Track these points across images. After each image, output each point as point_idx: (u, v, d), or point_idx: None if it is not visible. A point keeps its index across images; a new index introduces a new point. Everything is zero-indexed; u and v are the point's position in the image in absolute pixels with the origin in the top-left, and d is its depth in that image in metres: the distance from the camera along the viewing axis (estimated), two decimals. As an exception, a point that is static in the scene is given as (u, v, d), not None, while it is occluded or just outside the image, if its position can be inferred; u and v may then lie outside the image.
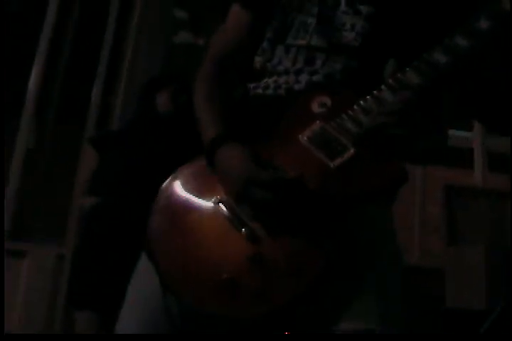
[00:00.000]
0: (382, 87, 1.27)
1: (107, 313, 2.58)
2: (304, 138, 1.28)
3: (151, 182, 2.71)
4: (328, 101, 1.32)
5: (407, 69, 1.27)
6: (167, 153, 2.69)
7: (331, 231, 1.19)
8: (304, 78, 1.38)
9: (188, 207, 1.28)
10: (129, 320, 1.37)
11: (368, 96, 1.27)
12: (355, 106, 1.27)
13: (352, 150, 1.24)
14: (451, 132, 5.44)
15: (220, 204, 1.25)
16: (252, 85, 1.45)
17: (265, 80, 1.43)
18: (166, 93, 2.87)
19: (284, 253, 1.17)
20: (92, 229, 2.81)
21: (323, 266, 1.17)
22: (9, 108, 3.89)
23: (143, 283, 1.37)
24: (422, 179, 4.80)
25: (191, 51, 4.03)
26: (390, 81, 1.27)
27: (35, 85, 4.11)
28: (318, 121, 1.29)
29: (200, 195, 1.29)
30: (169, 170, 2.67)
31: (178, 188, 1.33)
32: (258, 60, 1.46)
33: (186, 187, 1.32)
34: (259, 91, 1.43)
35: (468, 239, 3.99)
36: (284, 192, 1.18)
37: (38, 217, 4.11)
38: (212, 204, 1.26)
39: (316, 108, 1.32)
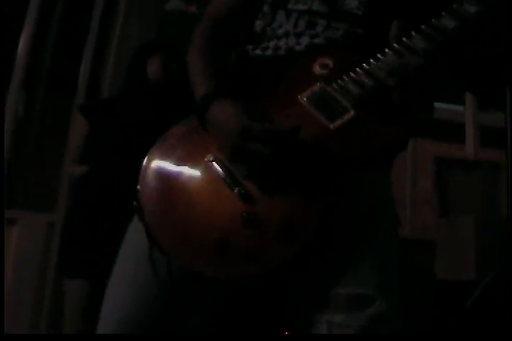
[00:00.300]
0: (387, 50, 1.25)
1: (98, 281, 2.57)
2: (303, 98, 1.26)
3: (141, 150, 2.72)
4: (330, 62, 1.30)
5: (414, 33, 1.25)
6: (157, 120, 2.68)
7: (327, 193, 1.17)
8: (304, 40, 1.37)
9: (179, 167, 1.26)
10: (117, 287, 1.35)
11: (371, 59, 1.25)
12: (357, 69, 1.25)
13: (352, 112, 1.21)
14: (443, 106, 5.45)
15: (214, 162, 1.23)
16: (250, 47, 1.43)
17: (265, 43, 1.41)
18: (156, 60, 2.84)
19: (277, 214, 1.15)
20: (81, 196, 2.80)
21: (316, 229, 1.15)
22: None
23: (132, 248, 1.35)
24: (413, 152, 4.80)
25: (183, 19, 3.98)
26: (396, 45, 1.24)
27: (24, 55, 4.05)
28: (319, 83, 1.27)
29: (191, 154, 1.27)
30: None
31: (169, 149, 1.30)
32: (258, 23, 1.44)
33: (177, 148, 1.29)
34: (258, 52, 1.41)
35: (459, 211, 4.00)
36: (279, 144, 1.15)
37: (28, 186, 4.10)
38: (205, 164, 1.24)
39: (317, 69, 1.29)
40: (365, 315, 1.19)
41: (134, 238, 1.34)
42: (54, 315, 3.55)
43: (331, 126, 1.21)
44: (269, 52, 1.39)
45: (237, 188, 1.18)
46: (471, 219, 3.73)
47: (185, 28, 3.86)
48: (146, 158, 1.30)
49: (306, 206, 1.16)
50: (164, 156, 1.29)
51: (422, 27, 1.25)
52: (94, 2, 4.09)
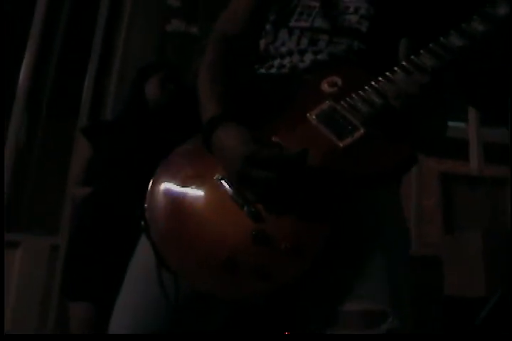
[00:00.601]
0: (396, 68, 1.25)
1: (102, 304, 2.54)
2: (312, 116, 1.26)
3: (142, 170, 2.70)
4: (339, 80, 1.30)
5: (422, 51, 1.25)
6: (156, 140, 2.70)
7: (334, 211, 1.16)
8: (308, 57, 1.37)
9: (187, 186, 1.25)
10: (125, 305, 1.34)
11: (380, 78, 1.25)
12: (366, 87, 1.25)
13: (362, 130, 1.21)
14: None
15: (223, 181, 1.22)
16: (255, 66, 1.43)
17: (269, 62, 1.41)
18: (154, 80, 2.87)
19: (285, 232, 1.15)
20: (84, 218, 2.78)
21: (324, 245, 1.14)
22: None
23: (140, 266, 1.34)
24: (418, 169, 4.79)
25: (184, 39, 4.00)
26: (404, 63, 1.24)
27: (26, 79, 4.06)
28: (328, 101, 1.27)
29: (199, 173, 1.26)
30: (159, 158, 2.67)
31: (176, 168, 1.30)
32: (261, 42, 1.45)
33: (184, 166, 1.29)
34: (263, 71, 1.41)
35: (465, 226, 3.97)
36: (285, 170, 1.15)
37: (32, 209, 4.08)
38: (213, 182, 1.23)
39: (326, 87, 1.29)
40: (378, 332, 1.18)
41: (143, 256, 1.33)
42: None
43: (341, 145, 1.20)
44: (273, 70, 1.39)
45: (246, 206, 1.18)
46: (478, 235, 3.70)
47: (186, 48, 3.88)
48: (153, 177, 1.30)
49: (313, 224, 1.15)
50: (171, 175, 1.28)
51: (430, 45, 1.25)
52: (95, 24, 4.10)
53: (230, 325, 1.34)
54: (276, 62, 1.39)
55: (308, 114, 1.26)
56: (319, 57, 1.36)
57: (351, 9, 1.39)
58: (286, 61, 1.38)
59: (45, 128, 4.20)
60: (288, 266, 1.13)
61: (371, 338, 1.19)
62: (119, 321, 1.33)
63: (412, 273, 1.34)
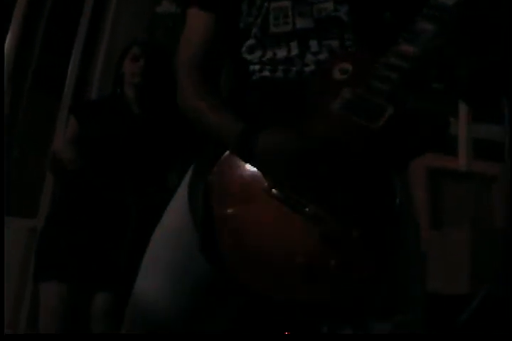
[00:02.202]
0: (400, 40, 1.24)
1: (74, 284, 2.52)
2: (337, 107, 1.24)
3: (129, 150, 2.67)
4: (348, 66, 1.28)
5: (417, 18, 1.24)
6: (138, 120, 2.75)
7: (394, 189, 1.16)
8: (310, 60, 1.35)
9: (241, 198, 1.24)
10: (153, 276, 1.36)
11: (387, 53, 1.24)
12: (377, 65, 1.24)
13: (391, 108, 1.20)
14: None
15: (273, 189, 1.20)
16: (256, 67, 1.39)
17: (271, 66, 1.38)
18: (129, 56, 2.86)
19: (353, 225, 1.15)
20: (66, 194, 2.74)
21: (395, 231, 1.15)
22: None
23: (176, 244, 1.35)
24: (406, 164, 4.76)
25: (174, 21, 3.95)
26: (405, 33, 1.24)
27: (10, 55, 3.98)
28: (346, 88, 1.26)
29: (248, 186, 1.25)
30: (143, 140, 2.63)
31: (226, 180, 1.27)
32: (251, 57, 1.40)
33: (232, 179, 1.27)
34: (266, 74, 1.37)
35: (452, 223, 3.96)
36: (338, 163, 1.15)
37: (10, 191, 4.01)
38: (264, 191, 1.21)
39: (339, 76, 1.28)
40: (392, 322, 1.21)
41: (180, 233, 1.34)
42: (33, 318, 3.45)
43: (376, 127, 1.19)
44: (279, 74, 1.36)
45: (306, 210, 1.17)
46: (464, 231, 3.69)
47: (176, 30, 3.83)
48: (209, 191, 1.26)
49: (378, 212, 1.16)
50: (227, 190, 1.27)
51: (423, 10, 1.25)
52: (83, 3, 4.04)
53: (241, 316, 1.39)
54: (280, 66, 1.36)
55: (331, 106, 1.25)
56: (320, 57, 1.35)
57: None
58: (290, 66, 1.35)
59: (28, 109, 4.12)
60: (362, 258, 1.13)
61: (371, 338, 1.20)
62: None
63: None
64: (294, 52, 1.35)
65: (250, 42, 1.41)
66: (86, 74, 3.98)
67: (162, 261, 1.35)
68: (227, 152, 1.27)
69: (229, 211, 1.23)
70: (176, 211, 1.38)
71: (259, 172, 1.23)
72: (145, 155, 2.68)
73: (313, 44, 1.35)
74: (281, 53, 1.36)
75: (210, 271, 1.24)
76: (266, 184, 1.21)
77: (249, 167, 1.24)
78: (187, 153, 2.65)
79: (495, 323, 3.01)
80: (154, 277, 1.35)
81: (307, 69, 1.34)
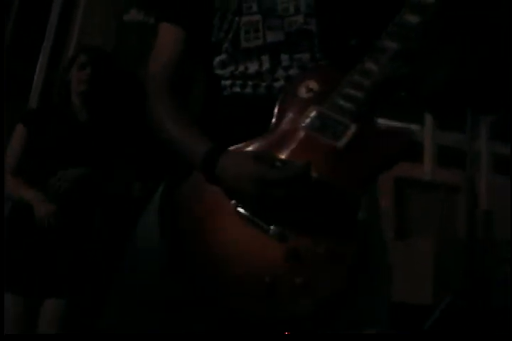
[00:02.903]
0: (364, 58, 1.26)
1: (30, 297, 2.53)
2: (302, 125, 1.25)
3: (75, 157, 2.66)
4: (313, 84, 1.30)
5: (384, 34, 1.26)
6: (85, 128, 2.76)
7: (357, 212, 1.17)
8: (280, 75, 1.36)
9: (209, 219, 1.24)
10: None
11: (352, 70, 1.26)
12: (342, 83, 1.26)
13: (354, 127, 1.22)
14: (402, 125, 5.46)
15: (238, 209, 1.21)
16: (227, 83, 1.39)
17: (242, 81, 1.38)
18: (76, 64, 2.88)
19: (317, 244, 1.15)
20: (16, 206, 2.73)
21: (358, 250, 1.15)
22: None
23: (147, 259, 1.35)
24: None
25: (141, 29, 3.93)
26: (370, 50, 1.26)
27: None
28: (311, 106, 1.27)
29: (212, 207, 1.25)
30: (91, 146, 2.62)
31: (194, 198, 1.28)
32: (223, 72, 1.41)
33: (202, 194, 1.27)
34: (237, 90, 1.38)
35: (417, 232, 4.00)
36: (301, 185, 1.14)
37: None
38: (229, 212, 1.22)
39: (304, 93, 1.29)
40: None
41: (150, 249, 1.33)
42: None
43: (339, 146, 1.21)
44: (248, 90, 1.37)
45: (271, 229, 1.17)
46: (428, 241, 3.73)
47: (144, 38, 3.81)
48: (174, 210, 1.28)
49: (341, 229, 1.16)
50: (187, 214, 1.26)
51: (388, 27, 1.26)
52: (50, 11, 3.99)
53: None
54: (250, 82, 1.37)
55: (297, 125, 1.26)
56: (290, 72, 1.35)
57: (291, 10, 1.38)
58: (259, 81, 1.36)
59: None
60: (328, 274, 1.13)
61: (371, 338, 1.21)
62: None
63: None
64: (265, 66, 1.36)
65: (222, 57, 1.41)
66: (52, 84, 3.94)
67: (133, 281, 1.35)
68: (195, 172, 1.28)
69: (196, 228, 1.24)
70: (147, 227, 1.37)
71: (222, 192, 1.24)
72: (93, 163, 2.69)
73: (285, 58, 1.36)
74: (253, 67, 1.37)
75: (180, 288, 1.23)
76: (232, 202, 1.22)
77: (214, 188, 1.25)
78: (151, 163, 2.66)
79: (457, 332, 3.05)
80: (125, 300, 1.36)
81: (277, 84, 1.35)
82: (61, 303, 2.50)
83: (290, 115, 1.28)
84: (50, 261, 2.53)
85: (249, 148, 1.25)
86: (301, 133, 1.24)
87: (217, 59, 1.41)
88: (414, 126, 5.51)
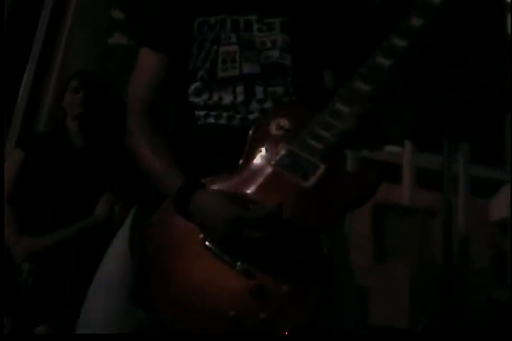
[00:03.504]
0: (335, 98, 1.27)
1: (18, 319, 2.56)
2: (271, 163, 1.27)
3: (70, 183, 2.67)
4: (284, 122, 1.31)
5: (355, 76, 1.27)
6: (81, 153, 2.78)
7: (323, 248, 1.18)
8: (254, 107, 1.37)
9: (176, 248, 1.26)
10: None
11: (323, 110, 1.27)
12: (312, 122, 1.27)
13: (323, 167, 1.23)
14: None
15: (207, 242, 1.22)
16: (201, 113, 1.40)
17: (217, 111, 1.39)
18: (69, 88, 2.90)
19: (281, 279, 1.16)
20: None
21: (325, 282, 1.17)
22: None
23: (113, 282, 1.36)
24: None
25: (125, 53, 3.94)
26: (341, 91, 1.27)
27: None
28: (281, 144, 1.28)
29: (181, 240, 1.27)
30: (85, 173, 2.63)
31: (163, 229, 1.29)
32: (197, 100, 1.41)
33: (166, 235, 1.28)
34: (211, 120, 1.39)
35: (395, 257, 4.03)
36: (270, 227, 1.16)
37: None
38: (197, 246, 1.23)
39: (274, 131, 1.30)
40: None
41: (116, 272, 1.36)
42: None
43: (307, 186, 1.22)
44: (223, 122, 1.37)
45: (237, 265, 1.18)
46: (405, 265, 3.76)
47: (128, 62, 3.82)
48: (143, 240, 1.29)
49: (307, 267, 1.17)
50: (160, 230, 1.28)
51: (360, 69, 1.27)
52: (34, 34, 3.99)
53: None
54: (225, 113, 1.38)
55: (266, 162, 1.27)
56: (265, 105, 1.36)
57: (268, 44, 1.40)
58: (234, 113, 1.37)
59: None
60: (291, 312, 1.15)
61: (371, 338, 1.22)
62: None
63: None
64: (240, 98, 1.37)
65: (197, 85, 1.42)
66: (35, 106, 3.94)
67: (102, 309, 1.35)
68: (167, 200, 1.29)
69: (163, 259, 1.25)
70: (117, 255, 1.39)
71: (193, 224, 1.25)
72: (88, 188, 2.71)
73: (259, 91, 1.37)
74: (228, 98, 1.38)
75: (149, 319, 1.24)
76: (201, 235, 1.23)
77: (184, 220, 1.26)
78: (133, 186, 2.67)
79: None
80: (95, 327, 1.35)
81: (251, 116, 1.36)
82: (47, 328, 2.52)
83: (260, 152, 1.29)
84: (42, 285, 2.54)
85: (221, 184, 1.26)
86: (271, 171, 1.26)
87: (193, 87, 1.42)
88: (393, 148, 5.56)
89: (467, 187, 5.25)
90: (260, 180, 1.25)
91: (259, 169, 1.27)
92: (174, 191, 1.25)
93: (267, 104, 1.36)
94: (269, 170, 1.26)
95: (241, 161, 1.29)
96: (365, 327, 3.58)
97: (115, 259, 1.39)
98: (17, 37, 4.01)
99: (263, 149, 1.29)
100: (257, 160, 1.28)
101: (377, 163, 4.88)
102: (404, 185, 4.94)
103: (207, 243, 1.22)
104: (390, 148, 5.50)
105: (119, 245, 1.39)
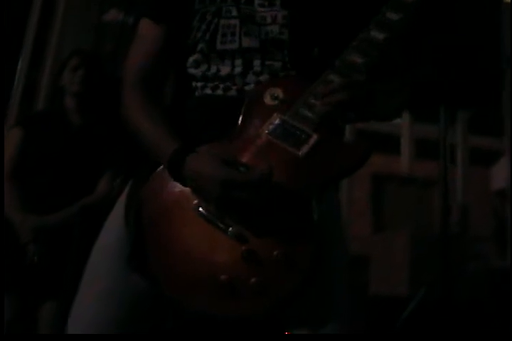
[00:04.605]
0: (329, 69, 1.28)
1: (21, 296, 2.58)
2: (265, 132, 1.27)
3: (70, 163, 2.69)
4: (279, 92, 1.32)
5: (349, 48, 1.29)
6: (79, 131, 2.75)
7: (313, 217, 1.20)
8: (251, 79, 1.37)
9: (170, 215, 1.27)
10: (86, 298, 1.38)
11: (317, 82, 1.28)
12: (306, 93, 1.28)
13: (315, 136, 1.24)
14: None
15: (200, 208, 1.23)
16: (199, 84, 1.41)
17: (215, 83, 1.39)
18: (68, 67, 2.85)
19: (273, 244, 1.18)
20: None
21: (317, 248, 1.18)
22: None
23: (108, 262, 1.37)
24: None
25: (120, 29, 3.91)
26: (336, 63, 1.28)
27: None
28: (275, 114, 1.29)
29: (179, 200, 1.27)
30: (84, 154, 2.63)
31: (157, 196, 1.30)
32: (195, 72, 1.41)
33: (164, 192, 1.29)
34: (208, 91, 1.39)
35: (394, 226, 4.05)
36: (263, 189, 1.18)
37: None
38: (191, 211, 1.24)
39: (269, 100, 1.32)
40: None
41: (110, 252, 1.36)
42: None
43: (300, 153, 1.23)
44: (219, 92, 1.38)
45: (229, 230, 1.20)
46: (405, 234, 3.78)
47: (123, 38, 3.81)
48: (137, 208, 1.30)
49: (298, 232, 1.19)
50: (154, 207, 1.29)
51: (354, 42, 1.29)
52: (29, 13, 3.97)
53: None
54: (221, 84, 1.38)
55: (260, 131, 1.28)
56: (261, 78, 1.37)
57: (269, 19, 1.41)
58: (231, 84, 1.38)
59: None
60: (283, 276, 1.17)
61: (371, 338, 1.24)
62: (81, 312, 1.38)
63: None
64: (238, 70, 1.38)
65: (196, 57, 1.42)
66: (32, 86, 3.93)
67: (99, 282, 1.37)
68: (161, 167, 1.29)
69: (158, 227, 1.27)
70: (113, 228, 1.41)
71: (188, 189, 1.26)
72: (88, 165, 2.73)
73: (257, 64, 1.38)
74: (225, 70, 1.38)
75: (146, 287, 1.26)
76: (195, 202, 1.24)
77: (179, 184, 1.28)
78: (133, 162, 2.69)
79: (432, 324, 3.12)
80: (92, 298, 1.36)
81: (247, 88, 1.37)
82: (55, 305, 2.56)
83: (254, 121, 1.31)
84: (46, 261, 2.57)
85: (214, 151, 1.26)
86: (264, 140, 1.27)
87: (191, 59, 1.43)
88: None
89: (466, 157, 5.27)
90: (253, 148, 1.27)
91: (253, 138, 1.28)
92: (167, 156, 1.27)
93: (263, 77, 1.37)
94: (262, 138, 1.28)
95: (234, 130, 1.31)
96: (359, 296, 3.64)
97: (112, 229, 1.41)
98: (11, 17, 4.00)
99: (257, 118, 1.31)
100: (251, 129, 1.30)
101: (376, 135, 4.90)
102: (403, 156, 4.95)
103: (200, 209, 1.23)
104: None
105: (116, 215, 1.40)
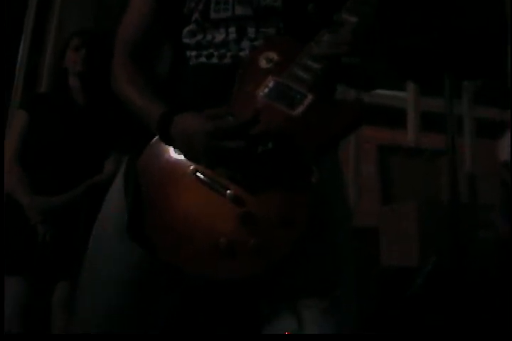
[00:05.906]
0: (323, 30, 1.29)
1: (34, 278, 2.57)
2: (260, 94, 1.28)
3: (72, 148, 2.69)
4: (273, 55, 1.33)
5: (343, 9, 1.29)
6: (84, 112, 2.75)
7: (309, 177, 1.20)
8: (246, 45, 1.38)
9: (167, 182, 1.28)
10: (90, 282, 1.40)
11: (311, 42, 1.29)
12: (301, 54, 1.29)
13: (310, 96, 1.25)
14: (385, 92, 5.48)
15: (197, 173, 1.24)
16: (193, 53, 1.41)
17: (209, 50, 1.40)
18: (71, 46, 2.85)
19: (271, 208, 1.19)
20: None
21: (313, 209, 1.19)
22: None
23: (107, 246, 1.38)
24: (356, 138, 4.82)
25: (122, 7, 3.89)
26: (329, 24, 1.29)
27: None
28: (270, 76, 1.30)
29: (176, 165, 1.28)
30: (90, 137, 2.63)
31: (154, 165, 1.31)
32: (190, 42, 1.42)
33: (162, 157, 1.30)
34: (203, 60, 1.40)
35: (402, 198, 4.05)
36: (246, 135, 1.19)
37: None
38: (188, 176, 1.25)
39: (264, 64, 1.32)
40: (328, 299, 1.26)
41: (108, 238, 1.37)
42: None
43: (295, 114, 1.24)
44: (214, 60, 1.39)
45: (226, 192, 1.21)
46: (413, 206, 3.78)
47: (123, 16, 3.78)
48: (136, 177, 1.31)
49: (295, 193, 1.20)
50: (152, 172, 1.30)
51: (347, 3, 1.30)
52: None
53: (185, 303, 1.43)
54: (216, 52, 1.39)
55: (256, 93, 1.29)
56: (256, 43, 1.37)
57: None
58: (225, 51, 1.38)
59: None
60: (281, 240, 1.17)
61: (371, 338, 1.23)
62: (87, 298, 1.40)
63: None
64: (232, 36, 1.38)
65: (191, 27, 1.42)
66: (35, 68, 3.93)
67: (101, 256, 1.39)
68: (156, 137, 1.30)
69: (156, 194, 1.28)
70: (113, 200, 1.42)
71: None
72: (94, 145, 2.73)
73: (251, 31, 1.38)
74: (219, 37, 1.39)
75: (145, 255, 1.27)
76: (191, 167, 1.25)
77: (175, 151, 1.29)
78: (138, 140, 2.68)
79: (442, 294, 3.13)
80: (96, 273, 1.39)
81: (242, 54, 1.37)
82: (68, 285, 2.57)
83: (250, 85, 1.31)
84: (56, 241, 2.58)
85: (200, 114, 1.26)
86: (259, 102, 1.27)
87: (186, 29, 1.43)
88: (396, 93, 5.55)
89: (472, 127, 5.26)
90: (248, 111, 1.25)
91: (248, 101, 1.28)
92: (156, 118, 1.28)
93: (258, 43, 1.38)
94: (257, 101, 1.28)
95: (230, 95, 1.31)
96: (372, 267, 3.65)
97: (112, 202, 1.42)
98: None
99: (252, 82, 1.31)
100: (246, 92, 1.30)
101: (381, 109, 4.89)
102: (409, 128, 4.95)
103: (197, 173, 1.24)
104: (393, 93, 5.49)
105: (116, 189, 1.42)
